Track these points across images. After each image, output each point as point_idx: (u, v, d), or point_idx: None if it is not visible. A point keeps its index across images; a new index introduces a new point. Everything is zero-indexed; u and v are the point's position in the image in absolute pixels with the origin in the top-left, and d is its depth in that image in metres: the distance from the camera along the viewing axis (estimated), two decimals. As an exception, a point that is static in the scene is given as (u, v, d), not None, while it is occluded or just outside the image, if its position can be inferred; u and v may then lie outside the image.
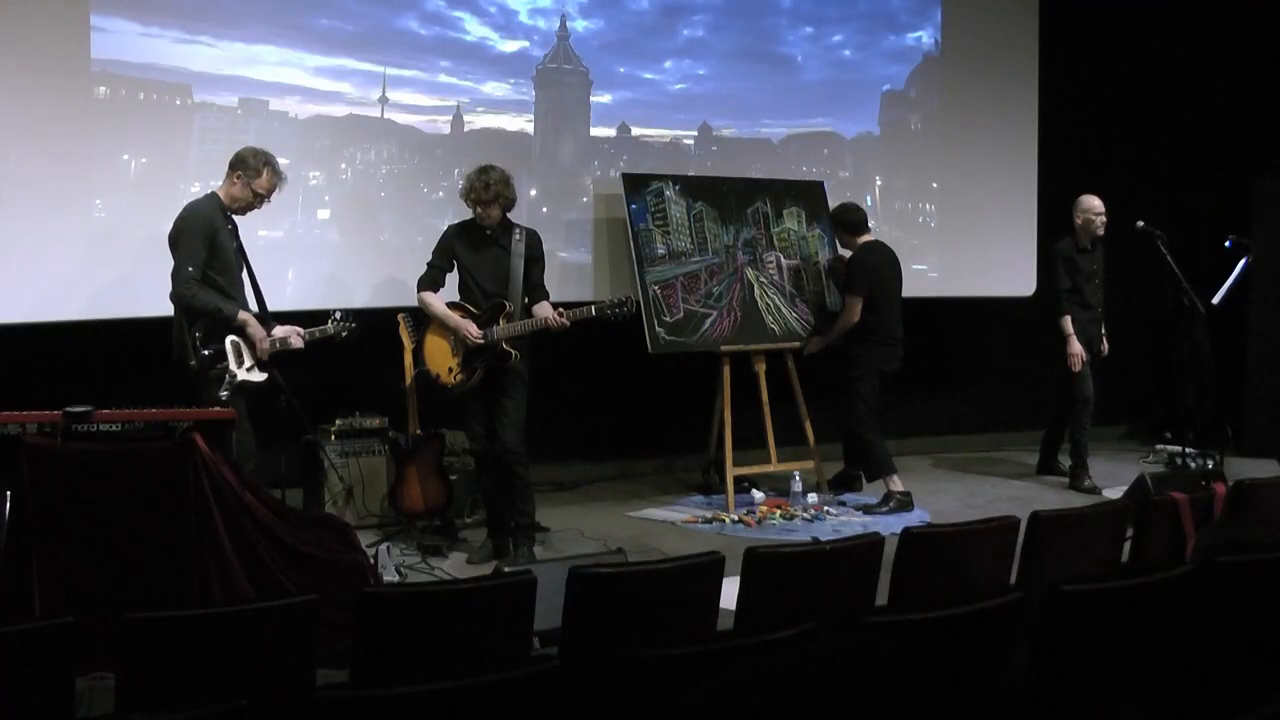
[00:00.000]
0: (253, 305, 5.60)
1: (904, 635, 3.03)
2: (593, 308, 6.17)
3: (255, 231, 6.74)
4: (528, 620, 3.70)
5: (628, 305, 6.12)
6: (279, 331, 5.49)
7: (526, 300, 6.04)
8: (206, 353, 5.24)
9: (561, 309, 6.01)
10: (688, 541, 6.34)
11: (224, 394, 5.11)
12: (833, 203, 8.14)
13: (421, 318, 6.24)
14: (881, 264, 7.40)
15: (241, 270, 5.51)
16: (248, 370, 5.33)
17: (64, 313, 6.17)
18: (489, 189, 5.95)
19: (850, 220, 7.54)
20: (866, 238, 7.50)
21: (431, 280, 6.14)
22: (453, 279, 6.20)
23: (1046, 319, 7.96)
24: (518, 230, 6.08)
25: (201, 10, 6.62)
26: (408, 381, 6.46)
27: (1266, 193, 9.08)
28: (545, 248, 6.28)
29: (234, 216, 5.57)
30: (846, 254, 7.64)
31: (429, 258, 6.20)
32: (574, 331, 6.10)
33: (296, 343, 5.53)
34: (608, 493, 7.73)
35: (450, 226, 6.26)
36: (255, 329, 5.37)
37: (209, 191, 5.57)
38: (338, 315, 5.69)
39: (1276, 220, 9.02)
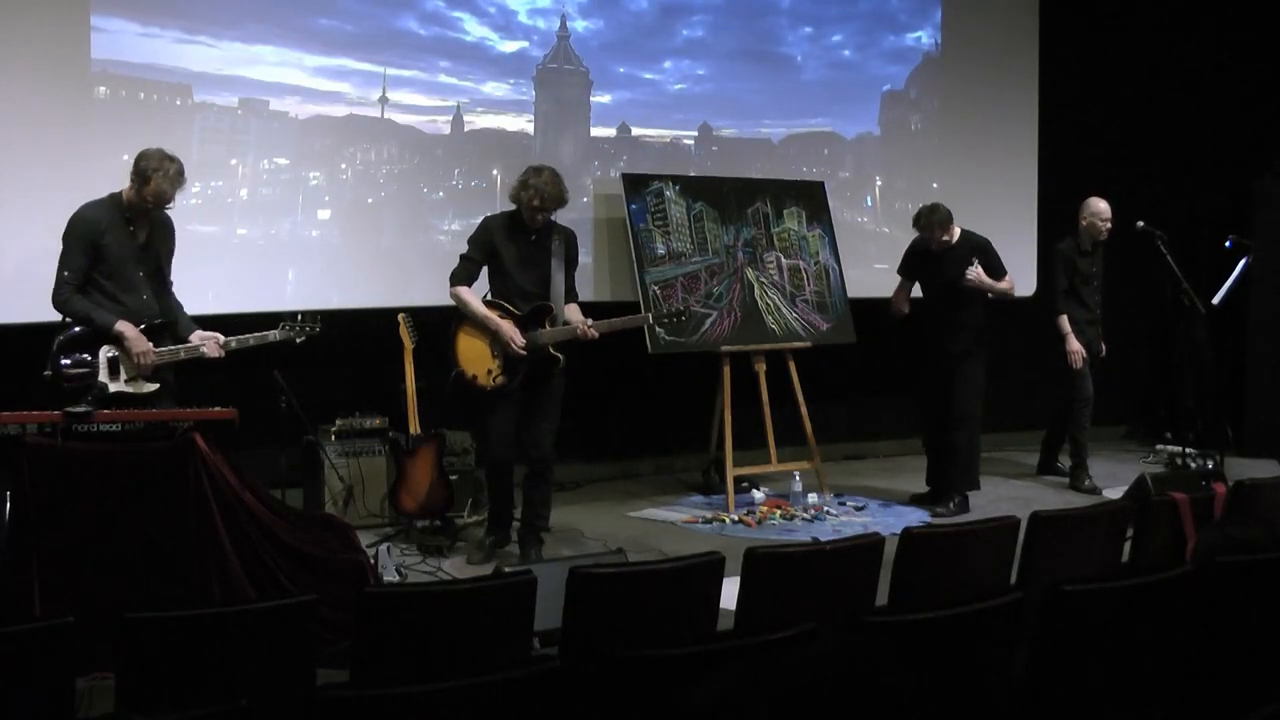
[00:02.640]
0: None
1: (904, 635, 3.03)
2: (650, 315, 6.38)
3: (256, 230, 6.78)
4: (528, 620, 3.69)
5: (682, 315, 6.16)
6: (195, 338, 5.17)
7: None
8: (66, 362, 4.94)
9: (590, 319, 5.96)
10: (688, 541, 6.34)
11: (82, 408, 4.64)
12: (833, 203, 8.15)
13: (453, 315, 6.04)
14: None
15: (143, 272, 5.17)
16: (127, 382, 5.00)
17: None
18: (560, 198, 5.86)
19: (948, 214, 7.22)
20: (957, 227, 7.30)
21: (467, 274, 5.96)
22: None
23: (1046, 319, 7.96)
24: (557, 230, 6.01)
25: (201, 10, 6.62)
26: (408, 381, 6.46)
27: (1266, 193, 9.08)
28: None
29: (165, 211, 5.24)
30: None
31: (464, 249, 6.00)
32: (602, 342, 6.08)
33: (213, 352, 5.13)
34: (608, 493, 7.72)
35: (490, 219, 6.09)
36: (134, 340, 4.98)
37: (114, 191, 5.19)
38: (300, 319, 5.37)
39: (1276, 220, 9.02)
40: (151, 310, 5.16)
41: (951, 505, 7.10)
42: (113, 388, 4.95)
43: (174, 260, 5.36)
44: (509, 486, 6.03)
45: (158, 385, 5.08)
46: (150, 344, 5.03)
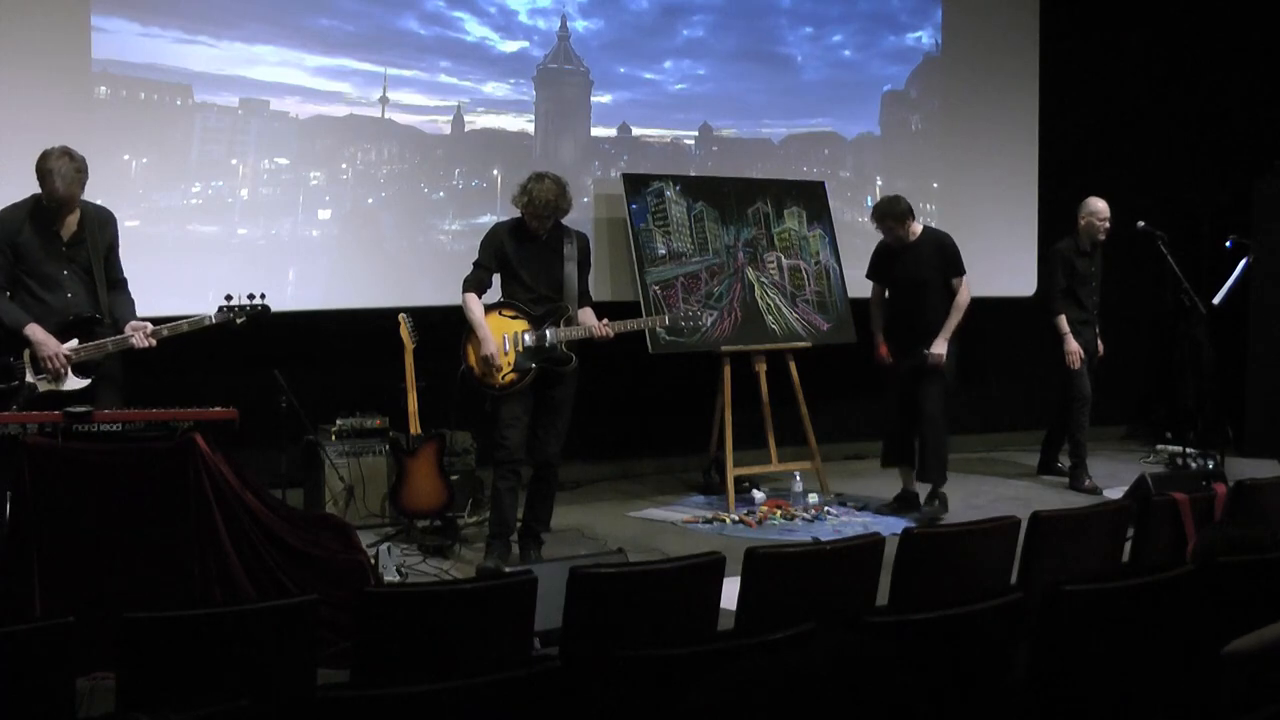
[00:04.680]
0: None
1: (904, 635, 3.04)
2: (665, 318, 6.53)
3: (256, 230, 6.78)
4: (528, 620, 3.69)
5: (696, 330, 6.28)
6: (127, 329, 5.05)
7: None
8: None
9: (606, 319, 5.95)
10: (688, 541, 6.34)
11: (15, 408, 4.71)
12: (834, 203, 8.15)
13: (455, 314, 5.99)
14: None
15: (68, 270, 5.12)
16: (53, 381, 4.97)
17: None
18: (554, 205, 5.78)
19: (908, 206, 7.02)
20: (918, 224, 7.11)
21: (478, 282, 5.91)
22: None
23: (1044, 319, 7.95)
24: (569, 233, 5.98)
25: (201, 10, 6.62)
26: (409, 381, 6.46)
27: (1267, 193, 9.08)
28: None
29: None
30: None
31: (465, 249, 5.98)
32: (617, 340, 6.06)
33: (141, 342, 5.05)
34: (608, 493, 7.72)
35: (499, 225, 6.07)
36: (39, 344, 4.94)
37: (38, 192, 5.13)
38: (235, 301, 5.23)
39: (1277, 220, 9.02)
40: (79, 308, 5.13)
41: (936, 504, 6.99)
42: (42, 387, 4.95)
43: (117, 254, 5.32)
44: (515, 489, 5.89)
45: (88, 381, 5.04)
46: (58, 346, 4.98)
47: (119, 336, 5.09)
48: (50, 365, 4.96)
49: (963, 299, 6.98)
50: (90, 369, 5.07)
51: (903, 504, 7.19)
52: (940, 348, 6.91)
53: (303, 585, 4.42)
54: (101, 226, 5.27)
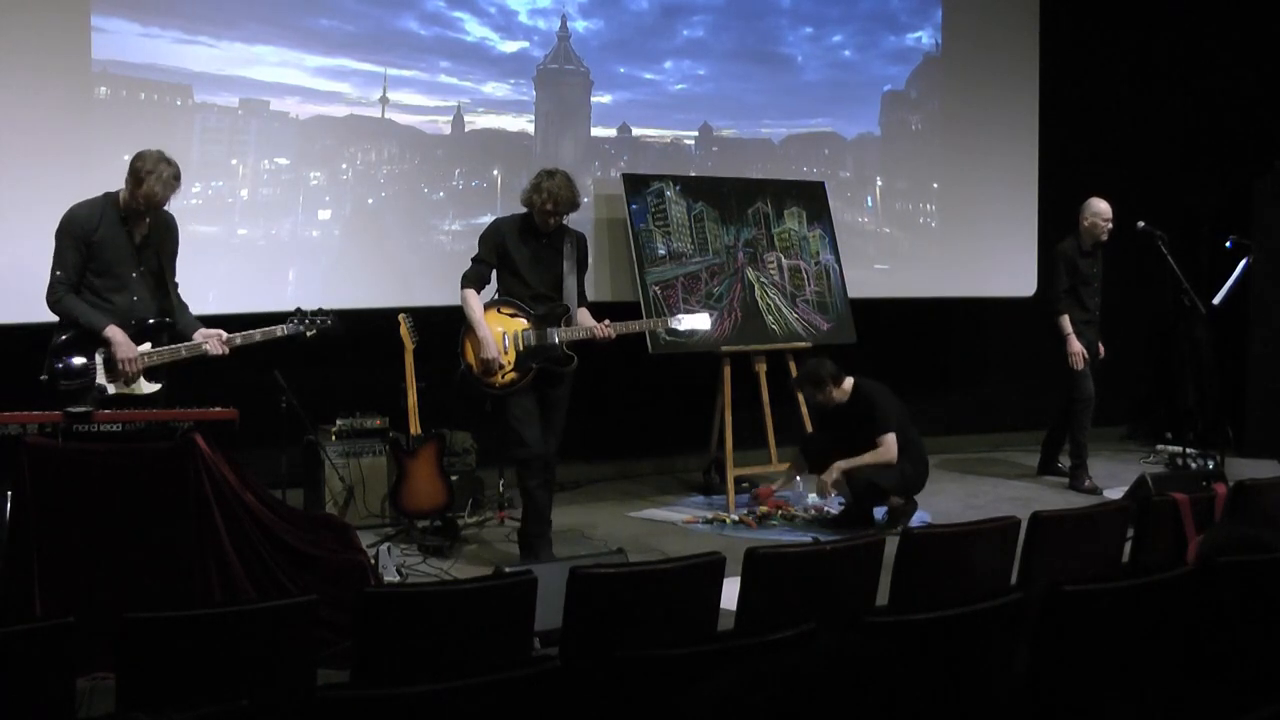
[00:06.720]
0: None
1: (904, 635, 3.04)
2: (666, 321, 6.47)
3: (256, 231, 6.78)
4: (528, 620, 3.70)
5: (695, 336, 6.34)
6: (198, 336, 5.06)
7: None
8: (59, 366, 4.89)
9: (608, 320, 5.94)
10: (688, 541, 6.34)
11: (82, 408, 4.63)
12: (834, 203, 8.15)
13: (456, 314, 5.99)
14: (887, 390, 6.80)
15: (137, 273, 5.07)
16: (126, 384, 4.93)
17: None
18: (573, 201, 5.77)
19: (831, 371, 6.79)
20: (849, 379, 6.81)
21: (478, 277, 5.90)
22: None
23: (1045, 320, 7.95)
24: (569, 233, 5.97)
25: (201, 10, 6.62)
26: (409, 382, 6.46)
27: (1267, 193, 9.08)
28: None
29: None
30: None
31: (475, 252, 5.94)
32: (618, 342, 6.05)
33: (216, 349, 5.05)
34: (608, 493, 7.72)
35: (501, 220, 6.05)
36: (120, 346, 4.89)
37: (109, 190, 5.09)
38: (306, 315, 5.30)
39: (1277, 220, 9.03)
40: (144, 311, 5.08)
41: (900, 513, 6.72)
42: (112, 389, 4.91)
43: (176, 260, 5.30)
44: (549, 483, 5.88)
45: (159, 386, 5.02)
46: (136, 351, 4.94)
47: (193, 343, 5.06)
48: (127, 368, 4.91)
49: (883, 454, 6.57)
50: (159, 374, 5.02)
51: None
52: (831, 475, 6.63)
53: (303, 585, 4.43)
54: (170, 231, 5.24)
